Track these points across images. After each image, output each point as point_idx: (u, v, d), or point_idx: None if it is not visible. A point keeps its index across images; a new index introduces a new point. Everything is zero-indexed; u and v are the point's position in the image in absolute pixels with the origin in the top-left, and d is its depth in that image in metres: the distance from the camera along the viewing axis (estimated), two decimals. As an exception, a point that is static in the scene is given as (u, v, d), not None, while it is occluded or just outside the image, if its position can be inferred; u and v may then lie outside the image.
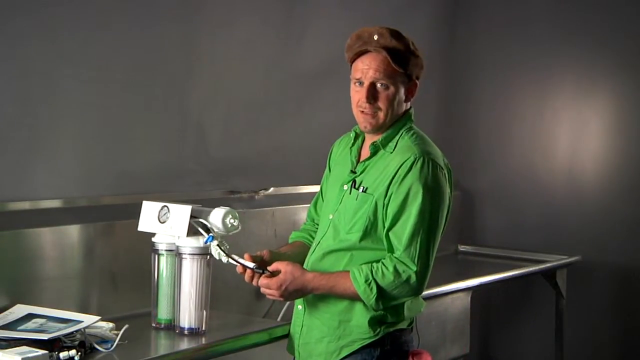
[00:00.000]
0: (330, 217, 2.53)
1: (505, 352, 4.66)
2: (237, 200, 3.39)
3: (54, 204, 2.84)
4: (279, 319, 3.15)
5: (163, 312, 2.70)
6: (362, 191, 2.45)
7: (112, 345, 2.43)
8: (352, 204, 2.47)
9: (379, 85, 2.42)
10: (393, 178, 2.40)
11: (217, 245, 2.54)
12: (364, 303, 2.42)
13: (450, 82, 4.68)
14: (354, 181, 2.49)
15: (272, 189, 3.61)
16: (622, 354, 4.41)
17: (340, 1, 3.96)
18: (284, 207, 3.56)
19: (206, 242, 2.57)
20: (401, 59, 2.40)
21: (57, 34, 2.81)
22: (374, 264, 2.40)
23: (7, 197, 2.72)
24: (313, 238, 2.65)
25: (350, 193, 2.49)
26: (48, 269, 2.75)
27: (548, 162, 4.53)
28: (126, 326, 2.49)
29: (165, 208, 2.67)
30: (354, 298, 2.42)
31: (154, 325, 2.71)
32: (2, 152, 2.70)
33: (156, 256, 2.72)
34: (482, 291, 4.15)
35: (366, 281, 2.38)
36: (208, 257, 2.66)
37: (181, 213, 2.64)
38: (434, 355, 2.72)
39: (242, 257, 2.48)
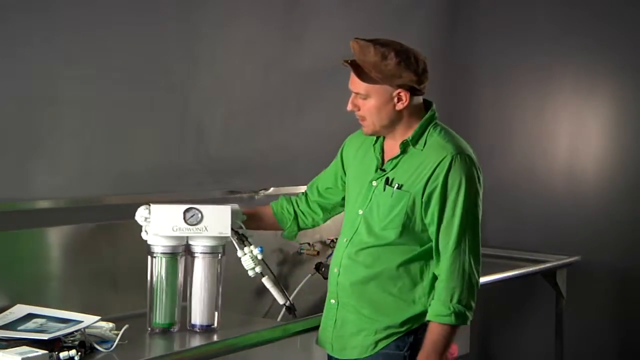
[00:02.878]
0: (360, 212, 2.59)
1: (505, 352, 4.66)
2: (237, 200, 3.38)
3: (54, 204, 2.83)
4: (278, 319, 3.15)
5: (159, 317, 2.67)
6: (397, 188, 2.51)
7: (112, 345, 2.43)
8: (387, 201, 2.53)
9: (358, 95, 2.53)
10: (431, 176, 2.48)
11: (263, 260, 2.72)
12: (401, 301, 2.53)
13: (450, 82, 4.67)
14: (387, 178, 2.54)
15: (272, 189, 3.60)
16: (622, 354, 4.41)
17: (341, 1, 3.96)
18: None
19: (260, 250, 2.72)
20: (366, 73, 2.49)
21: (57, 34, 2.81)
22: (437, 300, 2.50)
23: (7, 197, 2.72)
24: (279, 210, 2.86)
25: (384, 190, 2.54)
26: (48, 269, 2.75)
27: (548, 162, 4.53)
28: (126, 326, 2.49)
29: (194, 210, 2.66)
30: (450, 334, 2.50)
31: (149, 329, 2.68)
32: (2, 152, 2.70)
33: (153, 259, 2.69)
34: (482, 291, 4.13)
35: (449, 310, 2.48)
36: (219, 256, 2.71)
37: (220, 213, 2.66)
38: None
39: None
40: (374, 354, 2.56)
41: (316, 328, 2.90)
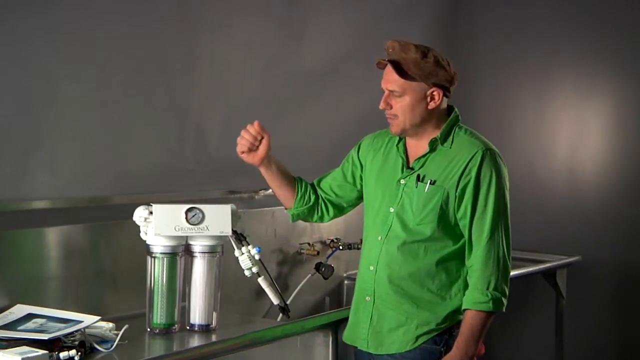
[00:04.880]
0: (392, 210, 2.65)
1: (505, 352, 4.66)
2: (237, 200, 3.39)
3: (54, 204, 2.84)
4: (278, 319, 3.15)
5: (159, 317, 2.67)
6: (431, 183, 2.60)
7: (112, 345, 2.43)
8: (422, 196, 2.60)
9: (393, 93, 2.60)
10: (464, 170, 2.58)
11: (260, 260, 2.74)
12: (438, 297, 2.60)
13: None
14: (418, 175, 2.62)
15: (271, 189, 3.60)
16: (622, 354, 4.41)
17: (341, 1, 3.96)
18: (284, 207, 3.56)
19: (258, 251, 2.75)
20: (404, 70, 2.57)
21: (57, 34, 2.81)
22: (474, 289, 2.57)
23: (7, 197, 2.72)
24: (303, 188, 2.83)
25: (416, 187, 2.61)
26: (48, 269, 2.75)
27: (548, 162, 4.53)
28: (126, 326, 2.49)
29: (195, 210, 2.67)
30: (487, 321, 2.58)
31: (149, 329, 2.68)
32: (2, 152, 2.70)
33: (152, 259, 2.69)
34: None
35: (487, 297, 2.55)
36: (218, 256, 2.72)
37: (221, 212, 2.69)
38: (434, 355, 2.73)
39: None
40: (413, 349, 2.62)
41: (316, 328, 2.91)
